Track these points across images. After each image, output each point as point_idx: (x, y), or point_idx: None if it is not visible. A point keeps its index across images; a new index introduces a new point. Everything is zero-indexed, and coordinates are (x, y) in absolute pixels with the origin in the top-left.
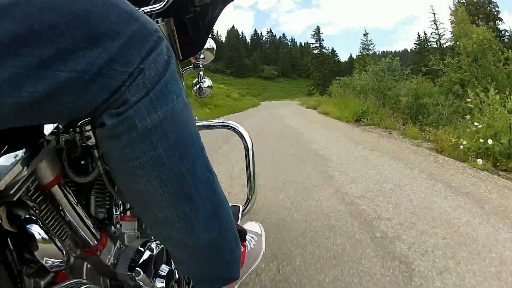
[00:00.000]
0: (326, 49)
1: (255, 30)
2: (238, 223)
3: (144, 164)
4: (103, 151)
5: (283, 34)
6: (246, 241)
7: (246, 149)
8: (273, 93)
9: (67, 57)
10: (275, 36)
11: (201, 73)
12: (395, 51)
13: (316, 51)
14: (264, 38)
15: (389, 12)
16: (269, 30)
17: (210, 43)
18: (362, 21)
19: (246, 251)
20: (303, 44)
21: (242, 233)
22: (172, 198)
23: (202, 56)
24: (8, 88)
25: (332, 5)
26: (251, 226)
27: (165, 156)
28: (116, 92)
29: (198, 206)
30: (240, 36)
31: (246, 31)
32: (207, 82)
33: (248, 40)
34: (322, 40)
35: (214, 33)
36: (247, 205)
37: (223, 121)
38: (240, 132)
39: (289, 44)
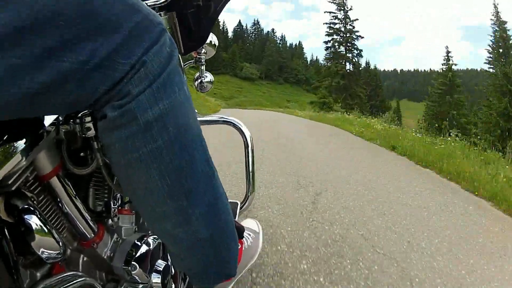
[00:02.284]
0: (356, 61)
1: (239, 22)
2: (236, 219)
3: (144, 156)
4: (103, 142)
5: (272, 30)
6: (244, 238)
7: (246, 146)
8: (251, 98)
9: (69, 48)
10: (262, 30)
11: (203, 68)
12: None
13: (338, 63)
14: (248, 31)
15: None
16: (255, 22)
17: (212, 38)
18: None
19: (243, 248)
20: (294, 46)
21: (240, 230)
22: (170, 191)
23: (203, 51)
24: (10, 78)
25: (321, 18)
26: (249, 224)
27: (165, 148)
28: (118, 84)
29: (196, 200)
30: (221, 28)
31: (231, 28)
32: (208, 77)
33: (230, 33)
34: (358, 50)
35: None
36: (245, 202)
37: (223, 116)
38: (240, 128)
39: (278, 42)
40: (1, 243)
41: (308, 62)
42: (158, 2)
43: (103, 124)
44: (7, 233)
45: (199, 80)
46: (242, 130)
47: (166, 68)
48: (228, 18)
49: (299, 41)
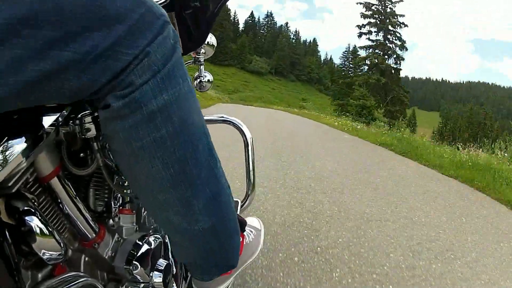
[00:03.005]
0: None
1: (252, 13)
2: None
3: (148, 146)
4: (106, 132)
5: (286, 23)
6: (245, 233)
7: (246, 145)
8: (258, 94)
9: (73, 39)
10: (275, 23)
11: (202, 67)
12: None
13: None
14: (261, 23)
15: None
16: (268, 14)
17: (211, 38)
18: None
19: (244, 242)
20: (307, 43)
21: (242, 223)
22: (173, 181)
23: (202, 51)
24: (12, 68)
25: (336, 20)
26: (251, 221)
27: (168, 138)
28: (120, 74)
29: (198, 190)
30: (232, 18)
31: (242, 20)
32: (207, 76)
33: (241, 25)
34: (401, 40)
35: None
36: (246, 200)
37: (223, 115)
38: (240, 127)
39: (292, 37)
40: (2, 245)
41: (322, 61)
42: (157, 3)
43: (106, 113)
44: (8, 235)
45: (198, 80)
46: (241, 129)
47: (171, 59)
48: (240, 12)
49: (314, 38)
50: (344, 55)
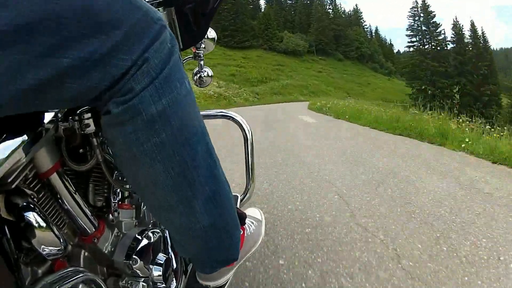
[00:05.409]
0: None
1: None
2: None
3: (148, 150)
4: (107, 137)
5: None
6: (246, 225)
7: (246, 140)
8: (301, 81)
9: (70, 45)
10: None
11: (202, 62)
12: None
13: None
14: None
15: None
16: None
17: (210, 33)
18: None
19: (245, 234)
20: (348, 13)
21: (242, 217)
22: (173, 183)
23: (202, 45)
24: (11, 75)
25: None
26: (252, 212)
27: (168, 142)
28: (120, 80)
29: (198, 191)
30: None
31: None
32: (207, 71)
33: (263, 4)
34: None
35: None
36: (246, 194)
37: (222, 110)
38: (239, 122)
39: (328, 6)
40: (2, 241)
41: (368, 35)
42: None
43: (107, 119)
44: (7, 231)
45: (199, 75)
46: (241, 124)
47: (168, 64)
48: None
49: (356, 5)
50: (412, 13)
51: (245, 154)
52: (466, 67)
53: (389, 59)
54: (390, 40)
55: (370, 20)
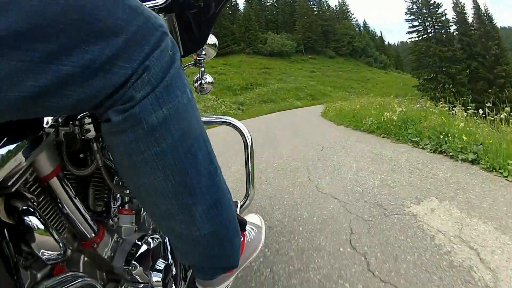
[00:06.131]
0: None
1: None
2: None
3: (149, 159)
4: (107, 145)
5: None
6: (246, 232)
7: (246, 146)
8: (294, 84)
9: (70, 52)
10: None
11: (202, 69)
12: None
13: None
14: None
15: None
16: None
17: (211, 39)
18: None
19: (245, 241)
20: (333, 8)
21: (242, 223)
22: (174, 191)
23: (203, 52)
24: (11, 82)
25: None
26: (252, 218)
27: (169, 151)
28: (120, 88)
29: (199, 199)
30: None
31: None
32: (208, 78)
33: (241, 6)
34: None
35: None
36: (246, 200)
37: (223, 117)
38: (239, 128)
39: (312, 0)
40: (1, 245)
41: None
42: (157, 4)
43: (107, 127)
44: (7, 235)
45: (199, 82)
46: (241, 131)
47: (169, 72)
48: None
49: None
50: None
51: (245, 160)
52: (475, 49)
53: (383, 52)
54: (381, 32)
55: (357, 14)
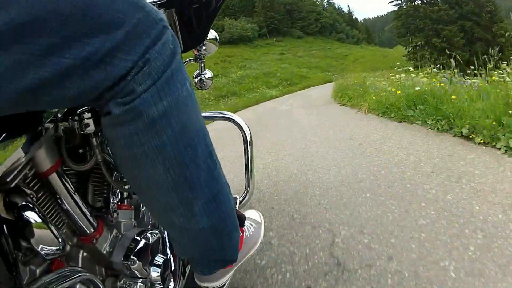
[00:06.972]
0: None
1: None
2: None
3: (149, 152)
4: (107, 138)
5: None
6: (245, 227)
7: (245, 141)
8: (261, 69)
9: (71, 44)
10: None
11: (202, 65)
12: None
13: None
14: None
15: None
16: None
17: (212, 34)
18: None
19: (244, 236)
20: None
21: (241, 219)
22: (173, 184)
23: (204, 47)
24: (12, 74)
25: None
26: (251, 214)
27: (169, 144)
28: (121, 81)
29: (198, 192)
30: None
31: None
32: (208, 74)
33: None
34: None
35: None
36: (245, 196)
37: (222, 112)
38: (239, 123)
39: None
40: (0, 240)
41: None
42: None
43: (108, 120)
44: (6, 230)
45: (199, 77)
46: (240, 126)
47: (170, 66)
48: None
49: None
50: None
51: (245, 156)
52: (466, 7)
53: (353, 27)
54: (348, 6)
55: None
